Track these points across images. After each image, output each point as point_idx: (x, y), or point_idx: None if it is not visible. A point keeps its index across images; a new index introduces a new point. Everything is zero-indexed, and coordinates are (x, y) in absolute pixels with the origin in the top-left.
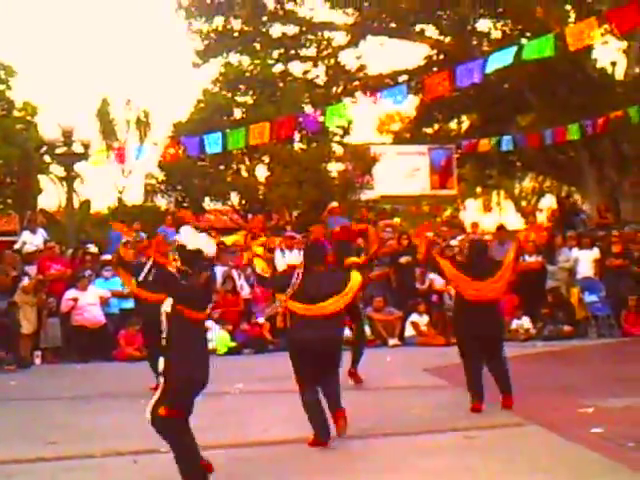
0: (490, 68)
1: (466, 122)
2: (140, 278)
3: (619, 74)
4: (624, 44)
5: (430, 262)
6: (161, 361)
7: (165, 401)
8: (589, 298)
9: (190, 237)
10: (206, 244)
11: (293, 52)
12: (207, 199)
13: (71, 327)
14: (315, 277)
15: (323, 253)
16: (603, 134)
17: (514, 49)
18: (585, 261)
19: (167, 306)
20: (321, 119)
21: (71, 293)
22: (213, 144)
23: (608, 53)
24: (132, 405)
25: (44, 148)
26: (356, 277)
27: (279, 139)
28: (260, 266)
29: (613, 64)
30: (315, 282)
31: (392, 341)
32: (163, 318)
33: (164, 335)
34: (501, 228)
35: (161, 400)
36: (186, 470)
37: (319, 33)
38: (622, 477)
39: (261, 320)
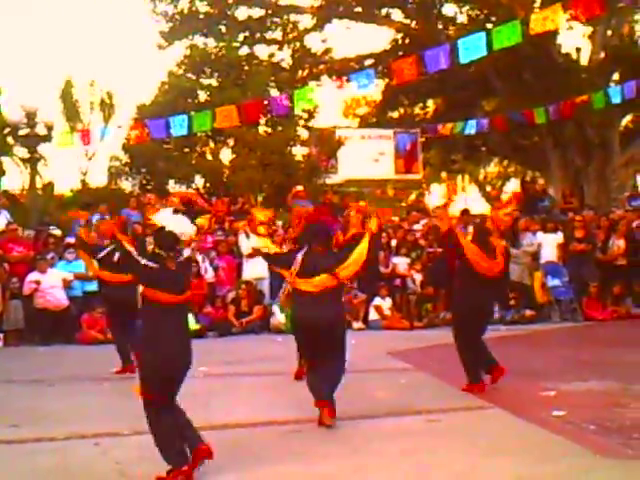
0: (464, 58)
1: (432, 106)
2: (98, 257)
3: (584, 59)
4: (589, 29)
5: (451, 238)
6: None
7: (140, 384)
8: (552, 282)
9: (170, 219)
10: (185, 226)
11: (259, 35)
12: (171, 182)
13: (34, 310)
14: (314, 256)
15: (325, 234)
16: (567, 119)
17: (482, 35)
18: (549, 245)
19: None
20: (286, 102)
21: (33, 275)
22: (178, 126)
23: (573, 38)
24: (95, 388)
25: (7, 130)
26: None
27: (247, 122)
28: (264, 244)
29: (578, 49)
30: (313, 261)
31: (356, 324)
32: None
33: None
34: (465, 212)
35: (140, 382)
36: (163, 452)
37: (285, 16)
38: (583, 460)
39: (276, 307)
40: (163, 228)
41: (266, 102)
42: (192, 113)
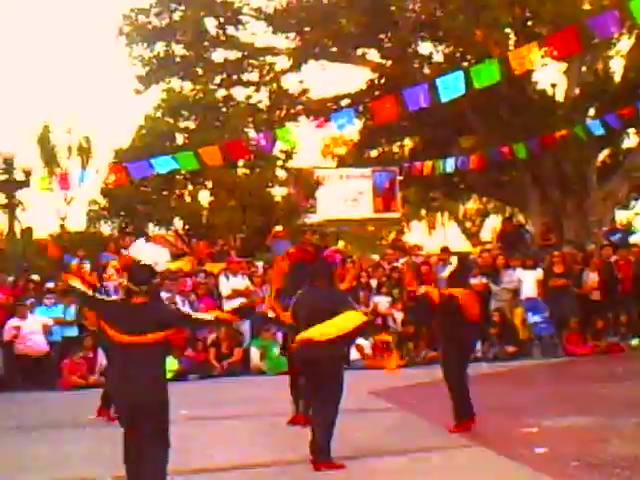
0: (443, 97)
1: (409, 144)
2: None
3: (559, 95)
4: (564, 65)
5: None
6: None
7: None
8: (533, 319)
9: (143, 249)
10: (159, 255)
11: (235, 77)
12: (151, 225)
13: (14, 356)
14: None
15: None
16: (545, 155)
17: (460, 74)
18: (528, 282)
19: None
20: (269, 141)
21: (13, 322)
22: (161, 166)
23: (548, 74)
24: (77, 434)
25: None
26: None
27: (232, 161)
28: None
29: (553, 86)
30: (312, 299)
31: None
32: None
33: None
34: (445, 249)
35: None
36: None
37: (261, 58)
38: None
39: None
40: (137, 262)
41: (246, 143)
42: (173, 155)
